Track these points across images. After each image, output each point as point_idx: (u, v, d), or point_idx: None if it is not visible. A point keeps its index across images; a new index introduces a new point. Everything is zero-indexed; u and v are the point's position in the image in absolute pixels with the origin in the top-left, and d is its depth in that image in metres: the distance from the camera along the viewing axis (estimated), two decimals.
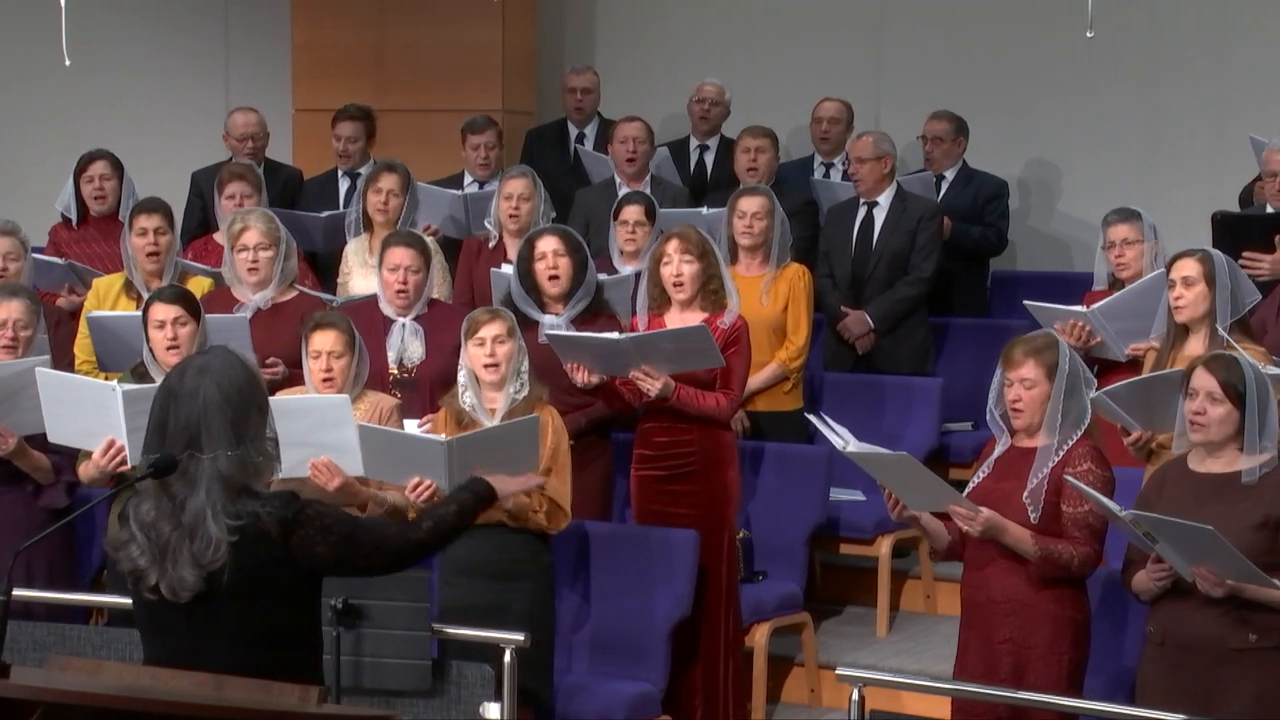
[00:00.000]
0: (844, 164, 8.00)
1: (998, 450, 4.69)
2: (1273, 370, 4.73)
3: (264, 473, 3.39)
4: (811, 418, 4.84)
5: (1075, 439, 4.58)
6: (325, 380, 5.21)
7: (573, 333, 5.70)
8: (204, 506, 3.28)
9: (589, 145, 8.44)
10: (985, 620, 4.63)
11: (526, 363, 5.19)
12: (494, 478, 3.83)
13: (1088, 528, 4.52)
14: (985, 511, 4.51)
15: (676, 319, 5.70)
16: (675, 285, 5.67)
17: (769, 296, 6.47)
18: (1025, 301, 6.23)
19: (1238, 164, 6.84)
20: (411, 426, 5.21)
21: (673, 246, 5.68)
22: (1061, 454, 4.56)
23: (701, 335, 5.51)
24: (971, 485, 4.68)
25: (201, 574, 3.27)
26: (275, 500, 3.35)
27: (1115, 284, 6.03)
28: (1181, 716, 4.07)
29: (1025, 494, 4.55)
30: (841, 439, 4.62)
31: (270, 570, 3.31)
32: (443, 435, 4.97)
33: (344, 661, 4.58)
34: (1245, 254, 5.85)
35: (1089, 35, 6.22)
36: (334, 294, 6.73)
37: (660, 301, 5.73)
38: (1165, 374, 4.99)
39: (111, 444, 5.05)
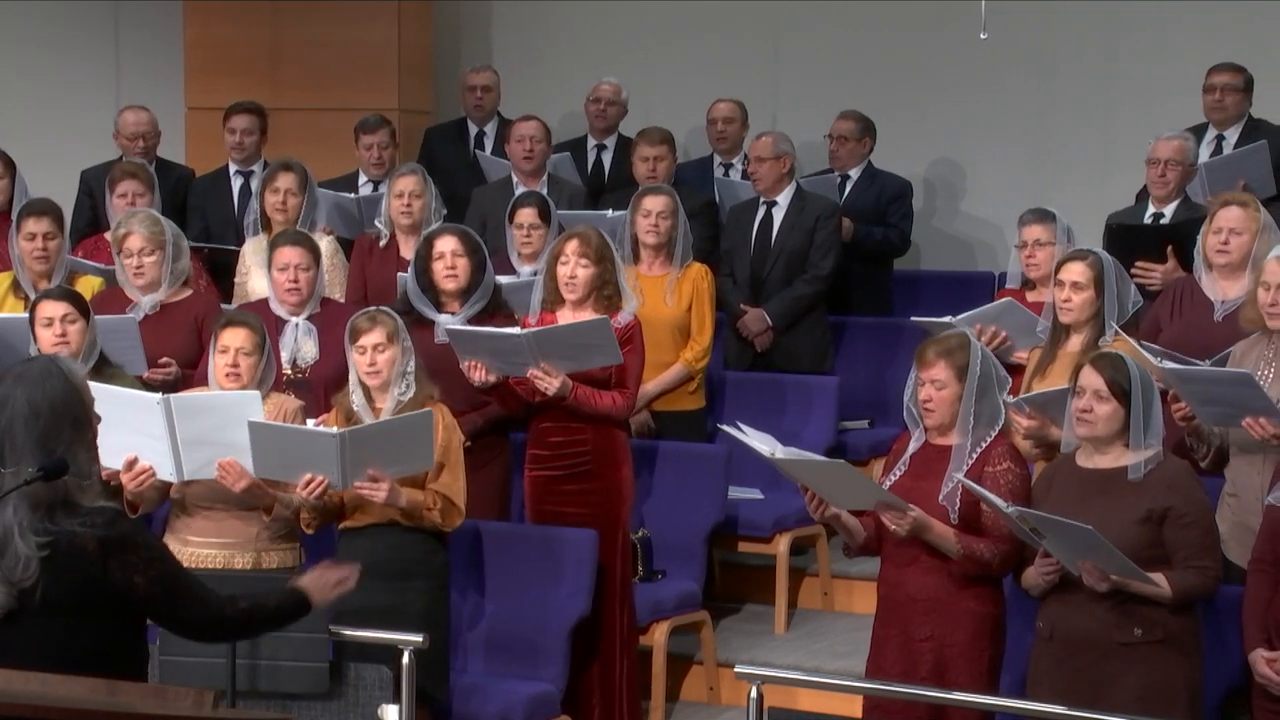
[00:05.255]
0: (743, 163, 8.04)
1: (912, 446, 4.71)
2: (1170, 364, 4.82)
3: (83, 492, 3.24)
4: (727, 429, 4.77)
5: (991, 438, 4.60)
6: (230, 375, 5.09)
7: (471, 327, 5.68)
8: (11, 523, 3.17)
9: (489, 144, 8.41)
10: (904, 618, 4.64)
11: (413, 364, 5.15)
12: (311, 588, 3.68)
13: (1007, 527, 4.54)
14: (915, 510, 4.52)
15: (569, 318, 5.68)
16: (567, 286, 5.67)
17: (673, 296, 6.48)
18: (912, 318, 6.33)
19: (1126, 164, 6.96)
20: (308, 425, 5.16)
21: (571, 248, 5.67)
22: (977, 454, 4.59)
23: (602, 329, 5.51)
24: (889, 482, 4.68)
25: (12, 591, 3.18)
26: (99, 516, 3.23)
27: (1026, 284, 6.10)
28: (1073, 711, 4.13)
29: (941, 496, 4.57)
30: (766, 446, 4.58)
31: (86, 588, 3.21)
32: (335, 428, 4.93)
33: (240, 665, 4.54)
34: (1139, 264, 5.96)
35: (982, 37, 6.29)
36: (233, 293, 6.67)
37: (554, 299, 5.72)
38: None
39: None
